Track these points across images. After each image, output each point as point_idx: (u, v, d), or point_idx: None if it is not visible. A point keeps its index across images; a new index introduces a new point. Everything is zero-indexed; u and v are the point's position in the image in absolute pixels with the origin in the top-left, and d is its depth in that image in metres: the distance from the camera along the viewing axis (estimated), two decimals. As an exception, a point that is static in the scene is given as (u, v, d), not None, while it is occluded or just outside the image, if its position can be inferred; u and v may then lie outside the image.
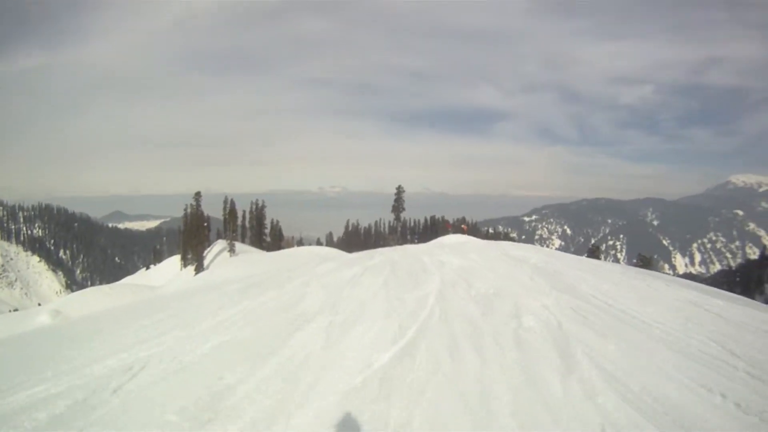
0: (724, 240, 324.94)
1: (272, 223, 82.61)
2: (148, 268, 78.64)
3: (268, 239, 78.10)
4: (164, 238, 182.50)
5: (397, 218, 77.10)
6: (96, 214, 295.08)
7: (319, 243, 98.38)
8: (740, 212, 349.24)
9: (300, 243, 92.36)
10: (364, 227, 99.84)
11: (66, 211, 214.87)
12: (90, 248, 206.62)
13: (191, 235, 51.30)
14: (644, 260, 50.44)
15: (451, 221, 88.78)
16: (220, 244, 55.48)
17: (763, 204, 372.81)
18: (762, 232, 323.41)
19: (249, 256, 48.65)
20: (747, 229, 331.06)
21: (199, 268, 48.15)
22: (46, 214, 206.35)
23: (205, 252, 54.24)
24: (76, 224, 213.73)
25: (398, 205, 73.86)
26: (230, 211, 63.95)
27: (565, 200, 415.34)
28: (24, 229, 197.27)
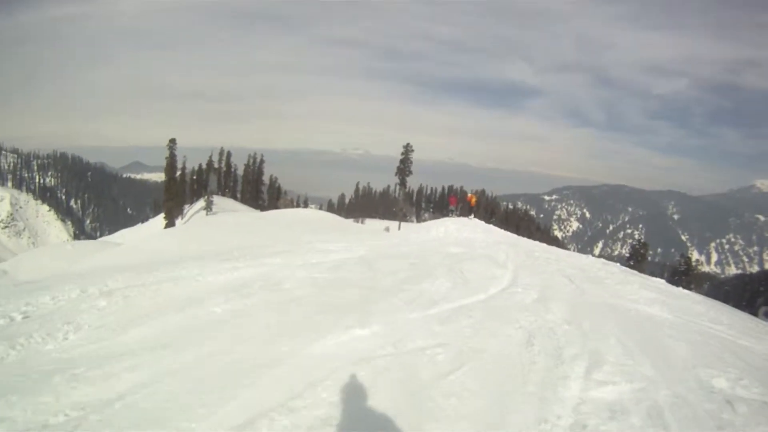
0: (742, 243, 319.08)
1: (271, 179, 79.74)
2: (143, 221, 77.11)
3: (265, 197, 75.80)
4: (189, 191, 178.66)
5: (402, 183, 64.78)
6: (115, 164, 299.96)
7: (330, 204, 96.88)
8: (762, 217, 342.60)
9: (305, 203, 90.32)
10: (379, 191, 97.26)
11: (81, 160, 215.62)
12: (102, 198, 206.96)
13: (167, 189, 48.32)
14: (635, 250, 46.55)
15: (469, 192, 77.59)
16: (203, 201, 52.52)
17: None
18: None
19: (221, 217, 45.09)
20: (767, 235, 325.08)
21: (170, 225, 45.49)
22: (60, 163, 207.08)
23: (188, 208, 52.09)
24: (89, 174, 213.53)
25: (405, 167, 62.76)
26: (209, 165, 60.21)
27: (586, 183, 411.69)
28: (37, 177, 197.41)
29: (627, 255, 49.27)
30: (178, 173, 54.03)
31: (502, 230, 27.04)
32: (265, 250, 13.04)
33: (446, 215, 37.41)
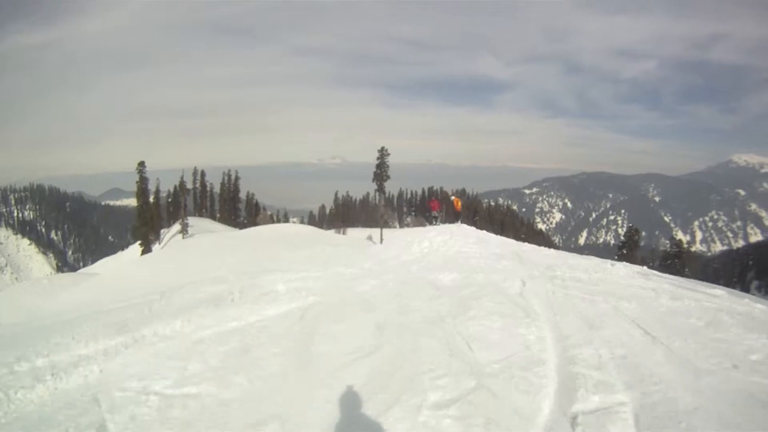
0: (725, 219, 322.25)
1: (248, 196, 79.38)
2: (124, 248, 76.38)
3: (243, 214, 75.60)
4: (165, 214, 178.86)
5: (380, 188, 59.52)
6: (94, 192, 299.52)
7: (311, 216, 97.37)
8: (742, 192, 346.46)
9: (285, 217, 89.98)
10: (359, 199, 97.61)
11: (58, 191, 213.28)
12: (82, 228, 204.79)
13: (139, 214, 47.70)
14: (627, 238, 46.23)
15: (451, 193, 69.48)
16: (179, 225, 51.69)
17: (765, 184, 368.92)
18: (763, 213, 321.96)
19: (195, 240, 43.90)
20: (748, 209, 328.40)
21: (146, 251, 45.12)
22: (38, 195, 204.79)
23: (164, 231, 51.55)
24: (68, 204, 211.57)
25: (381, 172, 57.32)
26: (181, 186, 58.53)
27: (565, 173, 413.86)
28: (15, 211, 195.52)
29: (619, 243, 48.95)
30: (152, 197, 53.49)
31: (497, 236, 23.74)
32: (177, 299, 10.08)
33: (429, 221, 32.99)
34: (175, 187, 65.56)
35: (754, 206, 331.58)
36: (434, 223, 30.51)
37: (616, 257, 32.82)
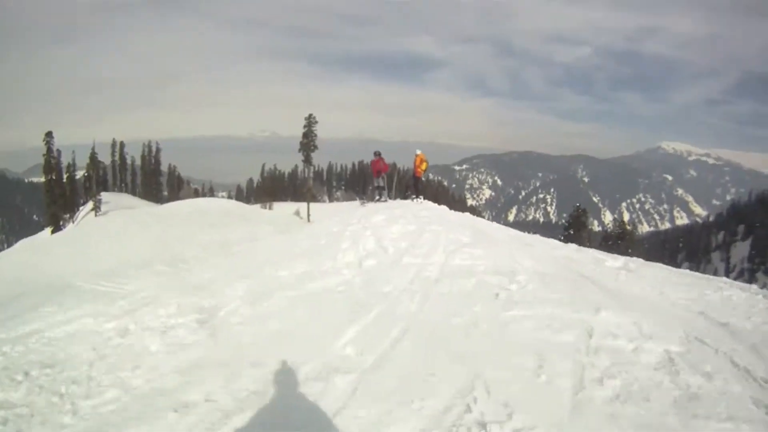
0: (653, 202, 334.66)
1: (170, 169, 77.06)
2: (44, 228, 73.90)
3: (164, 188, 73.65)
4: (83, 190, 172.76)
5: (308, 159, 55.88)
6: (17, 168, 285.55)
7: (239, 190, 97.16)
8: (669, 177, 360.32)
9: (211, 191, 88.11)
10: (288, 172, 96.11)
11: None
12: (5, 208, 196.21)
13: (47, 191, 45.20)
14: (573, 218, 45.61)
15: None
16: (93, 203, 49.30)
17: (692, 172, 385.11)
18: (690, 198, 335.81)
19: (107, 219, 41.12)
20: (675, 193, 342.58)
21: (56, 231, 42.88)
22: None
23: (81, 209, 49.51)
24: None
25: (309, 141, 53.98)
26: (92, 158, 54.07)
27: (495, 151, 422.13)
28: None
29: (564, 223, 48.56)
30: (66, 172, 50.84)
31: (490, 222, 16.97)
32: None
33: (373, 197, 21.86)
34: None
35: (681, 191, 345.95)
36: (378, 197, 20.27)
37: (561, 237, 32.26)
